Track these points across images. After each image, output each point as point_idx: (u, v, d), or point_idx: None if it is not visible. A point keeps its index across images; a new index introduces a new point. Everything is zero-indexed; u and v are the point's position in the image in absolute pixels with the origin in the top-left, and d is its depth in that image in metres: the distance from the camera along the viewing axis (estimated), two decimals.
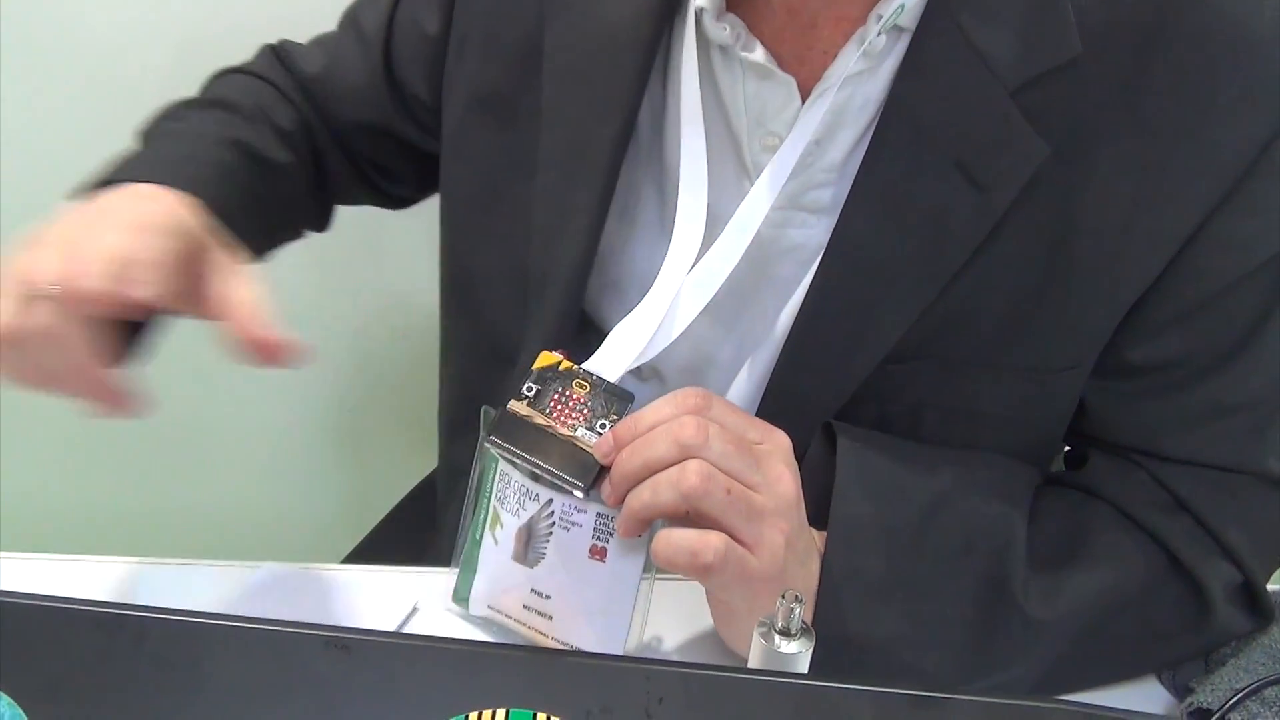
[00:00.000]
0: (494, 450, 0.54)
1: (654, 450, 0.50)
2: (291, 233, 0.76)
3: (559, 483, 0.53)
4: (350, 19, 0.76)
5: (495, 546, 0.56)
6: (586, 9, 0.62)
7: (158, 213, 0.52)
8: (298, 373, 1.20)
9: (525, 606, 0.56)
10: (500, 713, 0.41)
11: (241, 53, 0.78)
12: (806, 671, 0.47)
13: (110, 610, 0.41)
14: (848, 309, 0.58)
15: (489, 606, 0.58)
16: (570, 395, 0.55)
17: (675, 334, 0.58)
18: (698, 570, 0.50)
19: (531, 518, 0.55)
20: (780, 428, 0.56)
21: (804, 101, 0.58)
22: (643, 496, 0.50)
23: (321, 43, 0.77)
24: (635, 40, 0.60)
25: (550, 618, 0.56)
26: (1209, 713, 0.55)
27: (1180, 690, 0.60)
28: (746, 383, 0.63)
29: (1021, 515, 0.59)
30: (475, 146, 0.68)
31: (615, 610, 0.55)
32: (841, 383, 0.59)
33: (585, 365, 0.56)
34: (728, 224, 0.58)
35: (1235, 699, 0.54)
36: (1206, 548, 0.60)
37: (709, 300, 0.58)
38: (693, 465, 0.49)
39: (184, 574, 0.63)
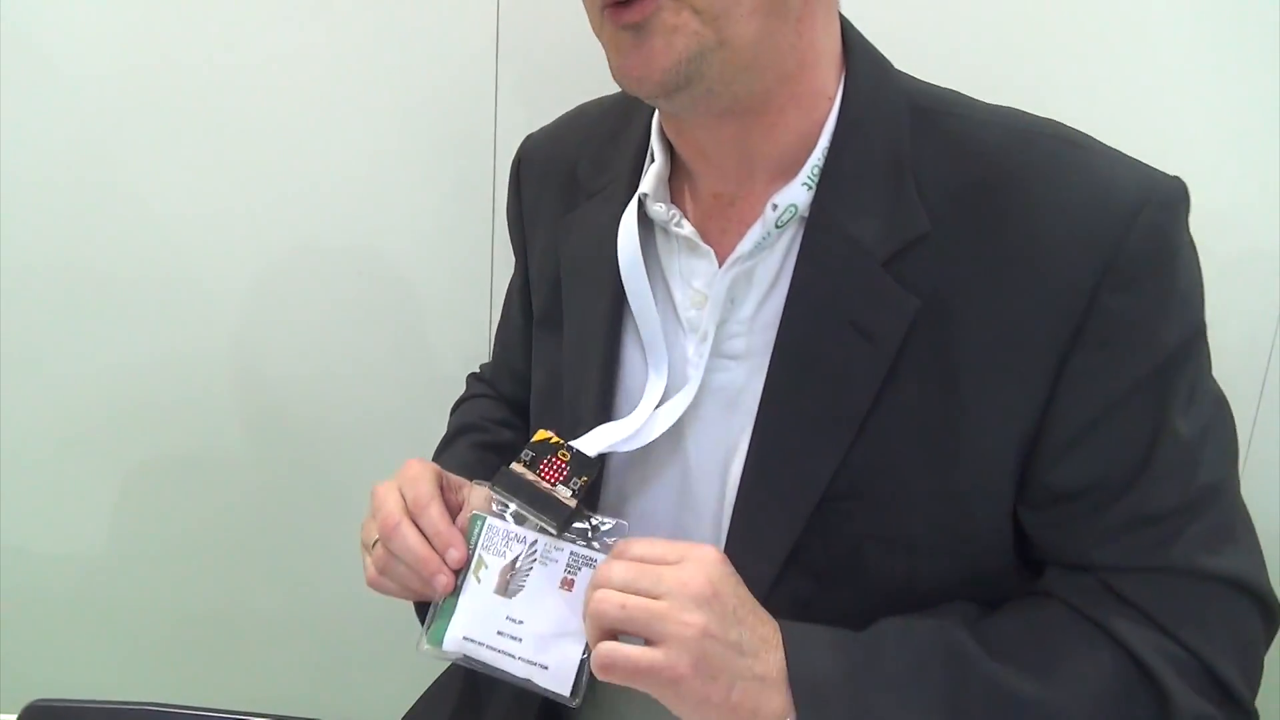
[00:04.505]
0: (495, 493, 0.71)
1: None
2: None
3: (541, 522, 0.70)
4: (496, 342, 1.02)
5: (478, 585, 0.71)
6: (582, 222, 0.80)
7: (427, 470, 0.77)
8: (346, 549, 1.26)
9: (499, 632, 0.70)
10: None
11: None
12: None
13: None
14: (786, 453, 0.69)
15: (464, 637, 0.70)
16: (555, 461, 0.71)
17: (641, 442, 0.73)
18: (603, 674, 0.63)
19: (516, 556, 0.71)
20: (746, 565, 0.67)
21: (721, 266, 0.72)
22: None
23: (495, 360, 1.03)
24: (612, 234, 0.75)
25: (520, 640, 0.69)
26: None
27: None
28: (711, 527, 0.74)
29: (955, 622, 0.67)
30: (540, 354, 0.86)
31: (575, 629, 0.68)
32: (791, 520, 0.69)
33: (570, 442, 0.73)
34: (690, 372, 0.73)
35: None
36: (1156, 638, 0.66)
37: (669, 428, 0.72)
38: (594, 595, 0.64)
39: None
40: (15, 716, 0.76)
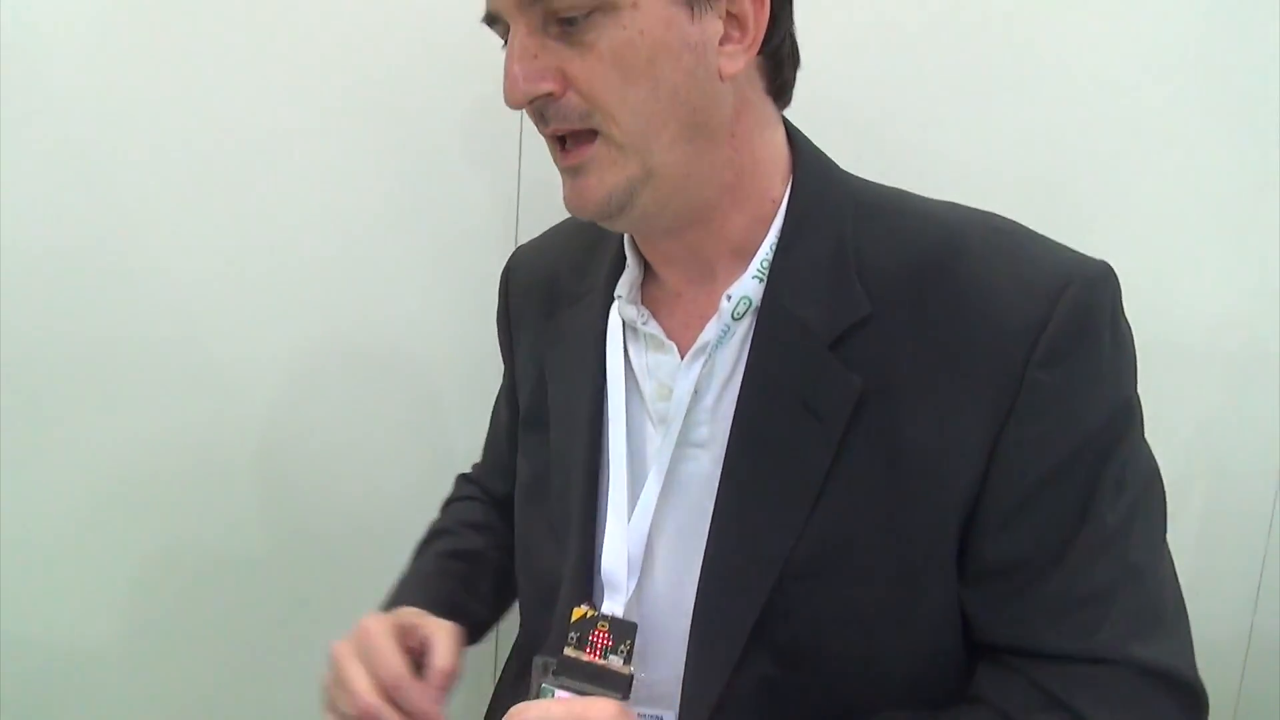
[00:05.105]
0: (559, 684, 0.74)
1: None
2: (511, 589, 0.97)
3: (607, 695, 0.72)
4: (487, 442, 1.07)
5: None
6: (563, 327, 0.85)
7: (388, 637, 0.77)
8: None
9: None
10: None
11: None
12: None
13: None
14: (744, 533, 0.72)
15: None
16: (598, 636, 0.75)
17: (638, 569, 0.76)
18: None
19: None
20: (708, 645, 0.72)
21: (683, 358, 0.77)
22: None
23: (486, 459, 1.07)
24: (595, 336, 0.81)
25: None
26: None
27: None
28: (682, 602, 0.75)
29: None
30: (526, 451, 0.89)
31: None
32: (751, 599, 0.71)
33: (601, 610, 0.77)
34: (650, 468, 0.76)
35: None
36: None
37: (648, 530, 0.76)
38: None
39: None
40: None
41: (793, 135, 0.78)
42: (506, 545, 0.94)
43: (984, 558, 0.70)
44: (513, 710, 0.66)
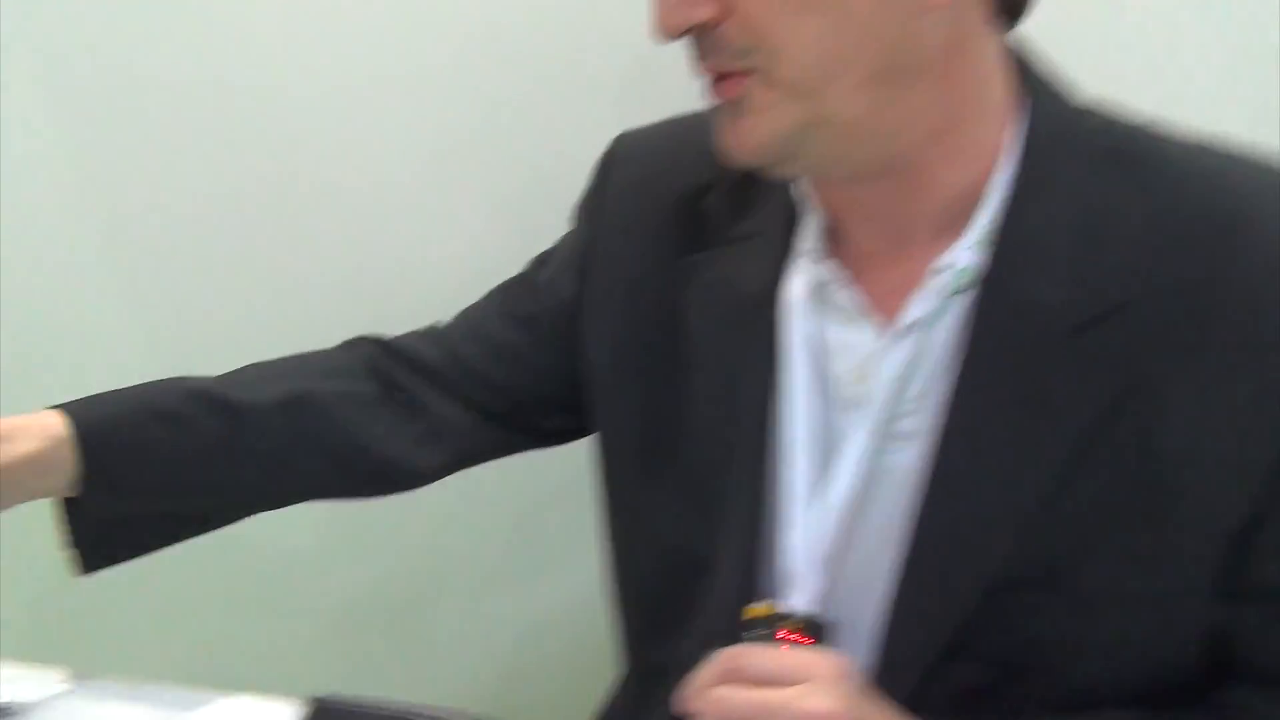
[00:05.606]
0: None
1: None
2: (291, 481, 0.80)
3: None
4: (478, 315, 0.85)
5: None
6: (713, 273, 0.71)
7: None
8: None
9: None
10: None
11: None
12: None
13: None
14: (956, 533, 0.63)
15: None
16: (787, 635, 0.65)
17: (829, 564, 0.66)
18: None
19: None
20: (901, 647, 0.64)
21: (885, 337, 0.65)
22: None
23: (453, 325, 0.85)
24: (764, 294, 0.69)
25: None
26: None
27: None
28: (870, 602, 0.66)
29: None
30: (621, 394, 0.76)
31: None
32: (957, 602, 0.63)
33: (793, 608, 0.66)
34: (842, 457, 0.66)
35: None
36: None
37: (843, 524, 0.65)
38: None
39: None
40: None
41: (1024, 62, 0.65)
42: (287, 427, 0.77)
43: (1259, 579, 0.61)
44: (729, 652, 0.58)
